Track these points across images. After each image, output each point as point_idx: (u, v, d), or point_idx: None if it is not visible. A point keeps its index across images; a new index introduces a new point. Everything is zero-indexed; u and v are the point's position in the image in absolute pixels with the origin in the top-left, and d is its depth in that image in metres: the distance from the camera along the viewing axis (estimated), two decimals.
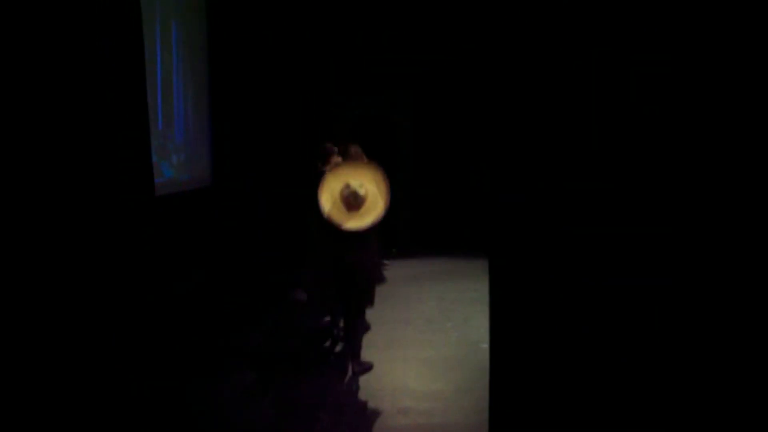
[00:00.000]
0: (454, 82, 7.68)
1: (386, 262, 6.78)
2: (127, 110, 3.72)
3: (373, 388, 3.67)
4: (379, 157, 3.96)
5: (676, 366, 1.82)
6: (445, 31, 7.38)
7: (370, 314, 4.33)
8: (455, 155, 7.86)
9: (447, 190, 7.86)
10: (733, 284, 1.73)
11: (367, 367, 3.97)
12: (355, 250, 3.79)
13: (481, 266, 6.23)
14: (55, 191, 2.67)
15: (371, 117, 7.72)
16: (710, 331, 1.76)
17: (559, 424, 2.00)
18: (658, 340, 1.84)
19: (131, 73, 3.93)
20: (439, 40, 7.43)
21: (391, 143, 7.71)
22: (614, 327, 1.91)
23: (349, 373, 3.91)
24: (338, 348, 4.37)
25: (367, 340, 4.09)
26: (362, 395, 3.58)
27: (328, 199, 3.61)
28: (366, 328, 4.47)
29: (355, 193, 3.60)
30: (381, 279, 4.46)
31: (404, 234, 7.86)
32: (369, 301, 3.97)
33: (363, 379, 3.81)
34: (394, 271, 6.62)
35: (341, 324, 4.42)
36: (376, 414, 3.31)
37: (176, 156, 5.73)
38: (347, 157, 4.07)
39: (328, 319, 4.88)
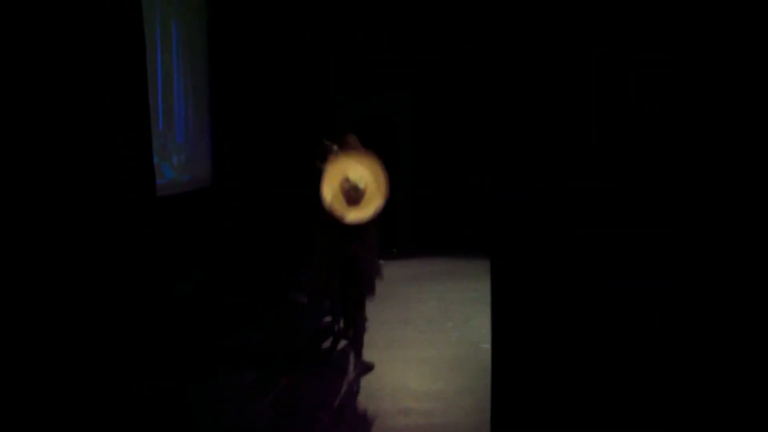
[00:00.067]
0: (454, 82, 7.68)
1: (382, 261, 6.77)
2: (129, 111, 3.71)
3: (373, 388, 3.67)
4: (379, 157, 3.94)
5: (676, 366, 1.82)
6: (445, 31, 7.38)
7: (371, 315, 4.33)
8: (455, 155, 7.86)
9: (447, 190, 7.86)
10: (732, 284, 1.73)
11: (369, 367, 3.98)
12: (355, 242, 3.81)
13: (481, 266, 6.24)
14: (58, 192, 2.67)
15: (371, 117, 7.72)
16: (710, 331, 1.76)
17: (560, 424, 2.00)
18: (658, 340, 1.84)
19: (132, 74, 3.92)
20: (439, 40, 7.42)
21: (391, 143, 7.71)
22: (615, 327, 1.91)
23: (350, 373, 3.91)
24: (339, 347, 4.36)
25: (368, 340, 4.09)
26: (362, 395, 3.58)
27: (329, 191, 3.62)
28: (365, 328, 4.49)
29: (355, 187, 3.62)
30: (379, 272, 4.46)
31: (404, 234, 7.85)
32: (370, 290, 3.98)
33: (363, 380, 3.81)
34: (395, 271, 6.61)
35: (341, 323, 4.43)
36: (376, 414, 3.31)
37: (177, 157, 5.73)
38: (344, 147, 4.04)
39: (328, 319, 4.88)
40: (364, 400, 3.51)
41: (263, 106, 7.01)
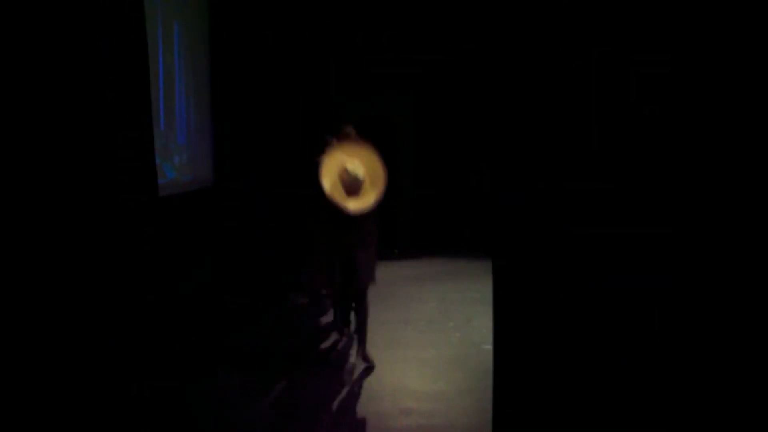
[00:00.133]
0: (454, 83, 7.68)
1: (377, 264, 6.77)
2: (131, 111, 3.72)
3: (374, 388, 3.66)
4: (376, 148, 3.92)
5: (677, 366, 1.81)
6: (445, 31, 7.38)
7: (371, 315, 4.32)
8: (456, 155, 7.86)
9: (448, 190, 7.85)
10: (733, 284, 1.73)
11: (370, 360, 4.00)
12: (354, 235, 3.84)
13: (482, 267, 6.24)
14: (60, 192, 2.68)
15: (372, 117, 7.72)
16: (710, 331, 1.76)
17: (562, 425, 1.99)
18: (659, 340, 1.84)
19: (134, 74, 3.93)
20: (438, 40, 7.43)
21: (391, 143, 7.71)
22: (617, 327, 1.90)
23: (351, 372, 3.91)
24: (339, 347, 4.36)
25: (368, 340, 4.09)
26: (363, 396, 3.58)
27: (328, 182, 3.64)
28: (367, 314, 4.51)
29: (354, 177, 3.65)
30: (373, 278, 4.47)
31: (405, 234, 7.85)
32: (370, 279, 4.00)
33: (364, 380, 3.81)
34: (395, 271, 6.61)
35: (344, 322, 4.45)
36: (377, 415, 3.30)
37: (178, 157, 5.74)
38: (342, 139, 4.05)
39: (328, 319, 4.89)
40: (364, 401, 3.51)
41: (264, 107, 7.02)
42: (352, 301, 4.26)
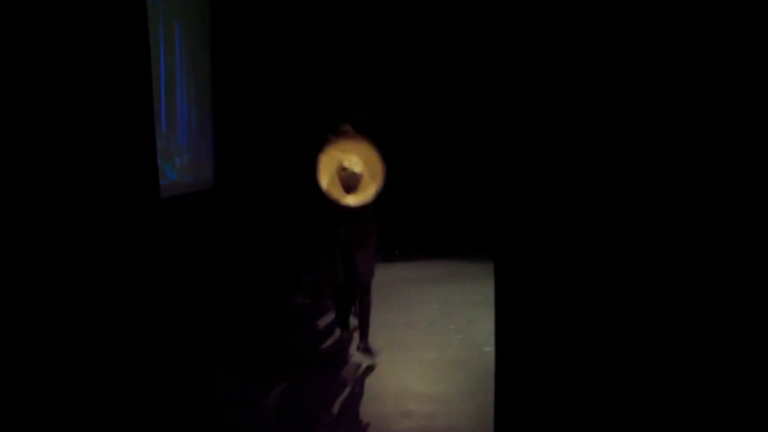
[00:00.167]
0: (454, 83, 7.68)
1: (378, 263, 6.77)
2: (133, 112, 3.73)
3: (375, 390, 3.65)
4: (374, 143, 3.93)
5: (678, 367, 1.80)
6: (445, 31, 7.39)
7: (373, 316, 4.31)
8: (456, 156, 7.86)
9: (449, 191, 7.85)
10: (733, 284, 1.72)
11: (371, 353, 4.02)
12: (352, 229, 3.87)
13: (484, 269, 6.22)
14: (62, 194, 2.69)
15: (372, 118, 7.73)
16: (711, 331, 1.75)
17: (564, 427, 1.98)
18: (660, 341, 1.83)
19: (136, 76, 3.94)
20: (439, 40, 7.44)
21: (392, 144, 7.72)
22: (619, 328, 1.90)
23: (352, 373, 3.90)
24: (340, 347, 4.35)
25: (370, 341, 4.08)
26: (364, 397, 3.57)
27: (326, 179, 3.68)
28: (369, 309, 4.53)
29: (353, 174, 3.68)
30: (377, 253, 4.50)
31: (406, 236, 7.84)
32: (370, 276, 4.02)
33: (365, 381, 3.80)
34: (397, 273, 6.60)
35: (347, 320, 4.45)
36: (378, 416, 3.29)
37: (179, 158, 5.74)
38: (340, 135, 4.07)
39: (328, 319, 4.89)
40: (365, 402, 3.50)
41: (265, 108, 7.03)
42: (352, 303, 4.28)
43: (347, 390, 3.69)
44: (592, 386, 1.94)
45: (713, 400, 1.74)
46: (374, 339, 4.37)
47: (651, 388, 1.84)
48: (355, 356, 4.16)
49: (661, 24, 1.78)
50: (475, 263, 6.77)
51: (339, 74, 7.55)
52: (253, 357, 4.24)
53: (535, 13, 1.96)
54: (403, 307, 5.32)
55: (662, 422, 1.82)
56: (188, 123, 5.96)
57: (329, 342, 4.49)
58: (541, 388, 2.02)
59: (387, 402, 3.46)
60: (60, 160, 2.68)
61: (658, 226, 1.81)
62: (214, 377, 3.83)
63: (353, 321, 4.66)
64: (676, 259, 1.79)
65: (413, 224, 7.95)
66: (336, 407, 3.48)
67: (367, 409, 3.40)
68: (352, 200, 3.68)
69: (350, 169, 3.68)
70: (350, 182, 3.69)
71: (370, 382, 3.79)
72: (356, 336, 4.50)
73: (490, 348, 4.04)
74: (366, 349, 4.04)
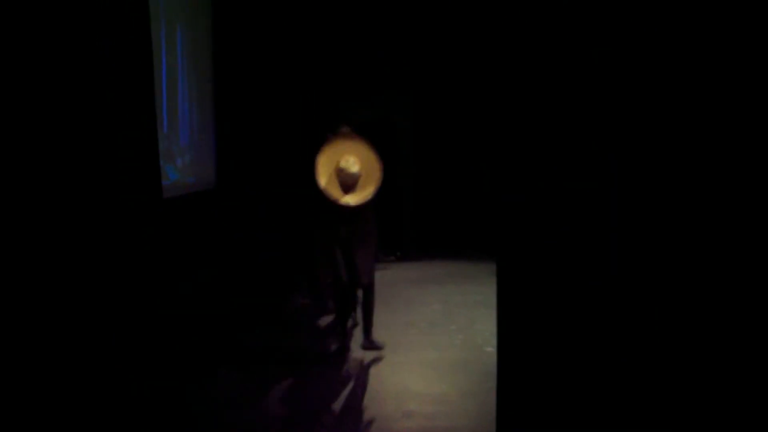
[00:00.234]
0: (455, 84, 7.69)
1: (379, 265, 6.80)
2: (135, 113, 3.73)
3: (376, 390, 3.64)
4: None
5: (680, 368, 1.79)
6: (446, 31, 7.40)
7: (374, 317, 4.31)
8: (457, 157, 7.85)
9: (450, 191, 7.85)
10: (733, 285, 1.71)
11: (378, 347, 4.08)
12: (352, 229, 3.90)
13: (485, 269, 6.22)
14: (64, 194, 2.69)
15: (373, 118, 7.73)
16: (711, 331, 1.74)
17: (566, 428, 1.97)
18: (662, 341, 1.82)
19: (138, 76, 3.94)
20: (439, 40, 7.44)
21: (393, 145, 7.72)
22: (620, 329, 1.89)
23: (352, 369, 3.90)
24: (341, 347, 4.34)
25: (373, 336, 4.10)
26: (365, 398, 3.56)
27: (323, 179, 3.74)
28: (353, 324, 4.59)
29: (350, 174, 3.73)
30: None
31: (408, 237, 7.83)
32: (370, 276, 4.06)
33: (366, 381, 3.79)
34: (398, 274, 6.60)
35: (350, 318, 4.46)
36: (379, 417, 3.28)
37: (181, 159, 5.74)
38: (337, 135, 4.09)
39: (329, 319, 4.88)
40: (366, 402, 3.49)
41: (267, 109, 7.03)
42: (352, 308, 4.32)
43: (348, 390, 3.68)
44: (593, 386, 1.93)
45: (713, 400, 1.73)
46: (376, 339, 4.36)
47: (651, 388, 1.83)
48: (356, 356, 4.15)
49: (661, 24, 1.77)
50: (476, 263, 6.76)
51: (340, 74, 7.56)
52: (253, 357, 4.24)
53: (536, 13, 1.96)
54: (404, 307, 5.31)
55: (662, 422, 1.81)
56: (190, 123, 5.96)
57: (329, 342, 4.48)
58: (542, 388, 2.01)
59: (388, 402, 3.45)
60: (62, 161, 2.68)
61: (659, 226, 1.80)
62: (214, 377, 3.83)
63: (354, 321, 4.67)
64: (676, 259, 1.78)
65: (414, 224, 7.94)
66: (336, 407, 3.47)
67: (368, 409, 3.39)
68: (349, 200, 3.74)
69: (347, 169, 3.73)
70: (348, 182, 3.74)
71: (370, 382, 3.78)
72: (356, 334, 4.51)
73: (491, 348, 4.03)
74: (371, 345, 4.08)
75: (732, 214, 1.71)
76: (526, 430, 2.07)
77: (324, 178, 3.73)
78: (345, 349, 4.27)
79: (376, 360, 4.10)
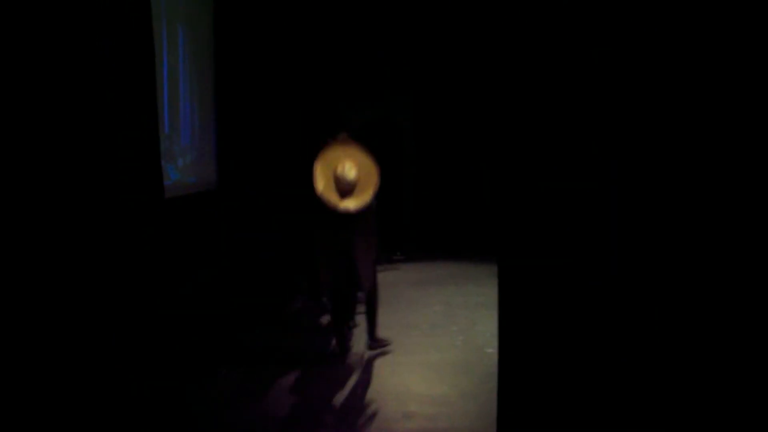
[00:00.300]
0: (455, 84, 7.69)
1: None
2: (137, 113, 3.73)
3: (376, 391, 3.64)
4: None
5: (682, 369, 1.79)
6: (446, 32, 7.40)
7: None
8: (458, 157, 7.85)
9: (451, 192, 7.84)
10: (734, 285, 1.70)
11: (384, 344, 4.10)
12: (352, 233, 3.91)
13: (486, 270, 6.21)
14: (66, 194, 2.69)
15: (374, 118, 7.73)
16: (712, 331, 1.73)
17: (567, 429, 1.97)
18: (663, 341, 1.81)
19: (140, 76, 3.94)
20: (439, 41, 7.45)
21: (394, 145, 7.72)
22: (622, 329, 1.88)
23: (353, 370, 3.89)
24: (341, 348, 4.33)
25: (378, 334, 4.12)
26: (366, 399, 3.55)
27: (321, 183, 3.78)
28: (353, 326, 4.60)
29: (346, 180, 3.76)
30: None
31: (409, 238, 7.83)
32: (371, 282, 4.07)
33: (366, 382, 3.78)
34: (399, 274, 6.59)
35: (350, 322, 4.47)
36: (380, 418, 3.27)
37: (182, 159, 5.75)
38: (334, 141, 4.11)
39: (329, 319, 4.88)
40: (367, 404, 3.48)
41: (268, 109, 7.04)
42: (352, 311, 4.34)
43: (348, 390, 3.68)
44: (593, 387, 1.92)
45: (713, 400, 1.72)
46: None
47: (651, 388, 1.82)
48: (356, 356, 4.15)
49: (661, 24, 1.77)
50: (477, 264, 6.76)
51: (341, 74, 7.57)
52: (253, 357, 4.24)
53: (536, 13, 1.96)
54: (405, 308, 5.30)
55: (662, 422, 1.80)
56: (191, 123, 5.97)
57: (329, 342, 4.48)
58: (543, 389, 2.01)
59: (388, 403, 3.44)
60: (64, 161, 2.68)
61: (659, 226, 1.80)
62: (214, 377, 3.82)
63: (354, 322, 4.66)
64: (676, 259, 1.78)
65: (415, 225, 7.94)
66: (337, 408, 3.46)
67: (368, 410, 3.38)
68: (348, 205, 3.77)
69: (344, 176, 3.78)
70: (345, 188, 3.78)
71: (371, 382, 3.77)
72: (357, 334, 4.51)
73: (492, 350, 4.02)
74: (377, 344, 4.11)
75: (732, 214, 1.70)
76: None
77: (321, 184, 3.79)
78: (345, 349, 4.26)
79: (376, 360, 4.09)
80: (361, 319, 4.58)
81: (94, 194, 2.92)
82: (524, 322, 2.05)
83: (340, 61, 7.56)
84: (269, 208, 6.68)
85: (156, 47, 4.81)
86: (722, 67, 1.70)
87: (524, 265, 2.04)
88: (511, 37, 2.04)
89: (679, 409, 1.78)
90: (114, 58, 3.12)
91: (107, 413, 2.80)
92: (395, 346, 4.32)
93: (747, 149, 1.68)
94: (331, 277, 4.14)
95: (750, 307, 1.68)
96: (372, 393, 3.62)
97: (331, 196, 3.77)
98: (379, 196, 3.89)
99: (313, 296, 5.50)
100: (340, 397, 3.59)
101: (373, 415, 3.32)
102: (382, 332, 4.33)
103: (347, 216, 3.81)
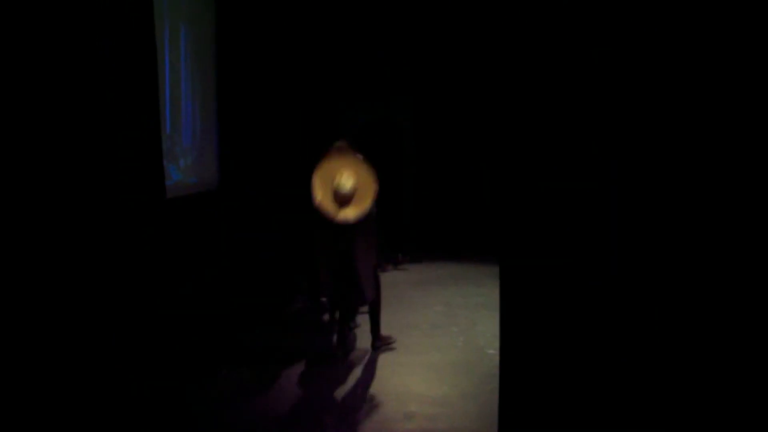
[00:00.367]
0: (456, 84, 7.69)
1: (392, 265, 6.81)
2: (139, 113, 3.74)
3: (377, 391, 3.63)
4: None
5: (684, 370, 1.78)
6: (447, 32, 7.40)
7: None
8: (459, 158, 7.85)
9: (452, 193, 7.84)
10: (734, 285, 1.70)
11: (389, 342, 4.16)
12: (351, 240, 3.91)
13: (486, 271, 6.22)
14: (68, 194, 2.69)
15: (375, 119, 7.73)
16: (712, 331, 1.73)
17: (568, 429, 1.96)
18: (664, 342, 1.81)
19: (143, 76, 3.95)
20: (440, 41, 7.45)
21: (394, 145, 7.72)
22: (623, 330, 1.88)
23: (354, 370, 3.89)
24: (342, 348, 4.33)
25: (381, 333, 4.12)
26: (367, 399, 3.55)
27: (320, 193, 3.80)
28: (354, 326, 4.62)
29: (344, 191, 3.77)
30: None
31: (410, 239, 7.83)
32: (372, 291, 4.07)
33: (367, 383, 3.78)
34: (400, 275, 6.59)
35: (351, 323, 4.49)
36: (380, 418, 3.27)
37: (184, 159, 5.75)
38: (333, 151, 4.11)
39: (329, 320, 4.88)
40: (367, 404, 3.48)
41: (270, 110, 7.04)
42: (351, 316, 4.36)
43: (348, 391, 3.68)
44: (594, 387, 1.92)
45: (713, 400, 1.72)
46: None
47: (651, 388, 1.82)
48: (356, 356, 4.15)
49: (661, 24, 1.77)
50: (478, 265, 6.75)
51: (341, 75, 7.57)
52: (253, 357, 4.23)
53: (536, 14, 1.96)
54: (406, 308, 5.30)
55: (662, 422, 1.80)
56: (193, 124, 5.97)
57: (329, 342, 4.48)
58: (544, 390, 2.00)
59: (389, 403, 3.44)
60: (66, 161, 2.69)
61: (659, 226, 1.80)
62: (214, 377, 3.82)
63: (355, 323, 4.66)
64: (676, 259, 1.77)
65: (415, 226, 7.93)
66: (337, 408, 3.46)
67: (369, 411, 3.38)
68: (346, 215, 3.77)
69: (342, 187, 3.79)
70: (343, 198, 3.79)
71: (371, 383, 3.77)
72: (358, 334, 4.50)
73: (492, 350, 4.02)
74: (382, 343, 4.15)
75: (731, 214, 1.70)
76: None
77: (320, 195, 3.80)
78: (346, 350, 4.26)
79: (377, 361, 4.09)
80: (361, 319, 4.58)
81: (95, 194, 2.93)
82: (525, 322, 2.04)
83: (340, 61, 7.56)
84: (270, 209, 6.68)
85: (158, 47, 4.82)
86: (721, 67, 1.71)
87: (525, 265, 2.04)
88: (512, 37, 2.04)
89: (679, 409, 1.78)
90: (115, 57, 3.12)
91: (107, 413, 2.81)
92: (396, 346, 4.32)
93: (746, 149, 1.68)
94: (331, 278, 4.13)
95: (750, 307, 1.68)
96: (372, 393, 3.62)
97: (329, 206, 3.78)
98: (378, 199, 3.89)
99: (313, 296, 5.50)
100: (340, 397, 3.59)
101: (374, 415, 3.32)
102: (382, 332, 4.33)
103: (346, 225, 3.82)
